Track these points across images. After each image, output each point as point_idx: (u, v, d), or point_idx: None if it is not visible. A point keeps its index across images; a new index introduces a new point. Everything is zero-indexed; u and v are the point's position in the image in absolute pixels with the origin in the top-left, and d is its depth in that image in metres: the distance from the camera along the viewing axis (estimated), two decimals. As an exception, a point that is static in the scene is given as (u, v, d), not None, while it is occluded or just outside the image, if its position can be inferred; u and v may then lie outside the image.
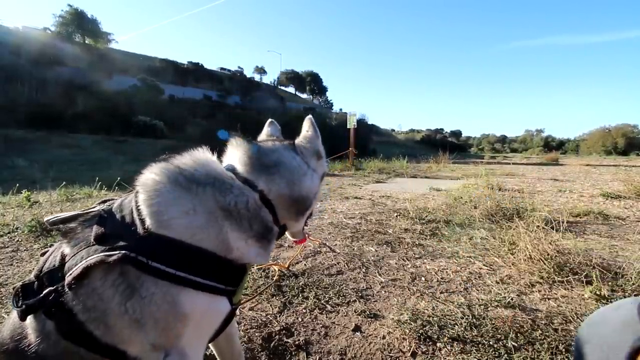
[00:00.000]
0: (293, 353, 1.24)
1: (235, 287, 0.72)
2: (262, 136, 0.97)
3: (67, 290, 0.62)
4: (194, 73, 40.83)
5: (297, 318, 1.46)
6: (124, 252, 0.60)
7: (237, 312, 1.40)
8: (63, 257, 0.66)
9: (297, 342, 1.29)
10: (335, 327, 1.40)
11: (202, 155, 0.77)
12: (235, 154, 0.79)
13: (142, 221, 0.64)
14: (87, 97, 22.36)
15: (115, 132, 19.94)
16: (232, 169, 0.77)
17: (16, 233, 2.58)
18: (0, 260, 2.07)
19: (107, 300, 0.61)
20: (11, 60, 23.58)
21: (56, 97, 21.83)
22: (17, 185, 3.97)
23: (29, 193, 3.69)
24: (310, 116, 0.91)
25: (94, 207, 0.73)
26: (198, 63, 43.52)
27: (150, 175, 0.69)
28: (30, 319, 0.65)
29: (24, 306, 0.65)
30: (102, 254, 0.60)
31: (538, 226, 2.18)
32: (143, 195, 0.67)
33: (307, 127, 0.91)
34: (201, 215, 0.66)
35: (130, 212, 0.66)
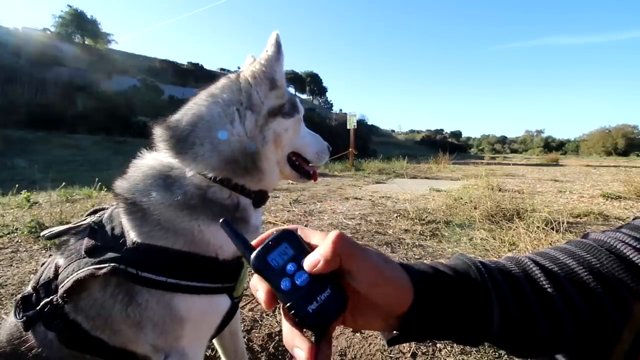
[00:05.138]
0: (293, 354, 1.24)
1: (233, 282, 0.70)
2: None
3: (60, 302, 0.63)
4: (194, 73, 40.90)
5: (297, 319, 1.46)
6: (113, 264, 0.59)
7: (238, 311, 1.40)
8: (57, 269, 0.67)
9: (297, 343, 1.29)
10: (335, 328, 1.39)
11: (144, 158, 0.71)
12: (159, 141, 0.70)
13: (129, 233, 0.64)
14: (86, 98, 22.42)
15: (115, 132, 19.98)
16: (168, 158, 0.69)
17: (16, 234, 2.57)
18: (0, 261, 2.06)
19: (109, 308, 0.62)
20: (11, 60, 23.59)
21: (56, 97, 21.88)
22: (17, 185, 3.96)
23: (29, 194, 3.68)
24: (276, 32, 0.72)
25: (85, 219, 0.73)
26: (198, 63, 43.68)
27: (119, 187, 0.68)
28: (30, 330, 0.66)
29: (25, 318, 0.66)
30: (92, 266, 0.60)
31: (538, 227, 2.18)
32: (121, 208, 0.66)
33: (269, 45, 0.72)
34: (167, 222, 0.63)
35: (120, 224, 0.66)
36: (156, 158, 0.70)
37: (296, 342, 0.32)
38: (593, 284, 0.36)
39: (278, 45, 0.71)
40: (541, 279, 0.37)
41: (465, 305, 0.35)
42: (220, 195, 0.67)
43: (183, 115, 0.70)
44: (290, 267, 0.34)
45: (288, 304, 0.32)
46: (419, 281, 0.35)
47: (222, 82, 0.74)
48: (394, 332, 0.37)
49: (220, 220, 0.36)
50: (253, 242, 0.36)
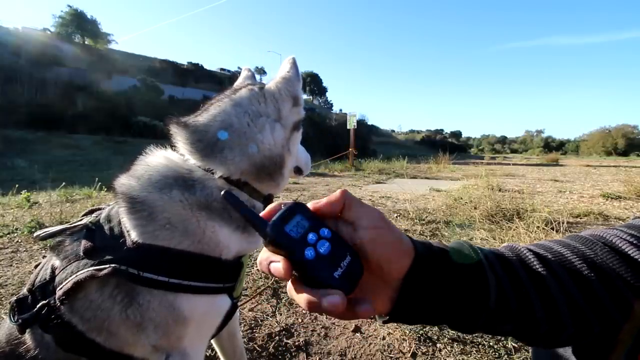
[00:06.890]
0: (293, 354, 1.24)
1: (234, 282, 0.70)
2: (237, 82, 0.89)
3: (58, 304, 0.62)
4: (194, 73, 40.87)
5: (297, 319, 1.46)
6: (113, 265, 0.59)
7: (237, 312, 1.40)
8: (53, 271, 0.66)
9: (297, 343, 1.29)
10: (335, 328, 1.39)
11: (156, 157, 0.72)
12: (180, 142, 0.72)
13: (129, 233, 0.63)
14: (86, 98, 22.41)
15: (115, 132, 19.97)
16: (188, 160, 0.70)
17: (16, 234, 2.57)
18: (0, 261, 2.06)
19: (107, 310, 0.61)
20: (11, 60, 23.58)
21: (56, 97, 21.87)
22: (17, 185, 3.96)
23: (29, 194, 3.69)
24: (293, 56, 0.80)
25: (81, 220, 0.72)
26: (198, 64, 43.61)
27: (124, 186, 0.67)
28: (28, 332, 0.66)
29: (20, 321, 0.65)
30: (91, 268, 0.60)
31: (538, 227, 2.18)
32: (123, 208, 0.65)
33: (287, 67, 0.79)
34: (180, 222, 0.63)
35: (119, 224, 0.65)
36: (169, 157, 0.71)
37: (321, 292, 0.32)
38: (586, 272, 0.36)
39: (295, 68, 0.79)
40: (534, 263, 0.38)
41: (461, 277, 0.36)
42: (242, 199, 0.68)
43: (211, 121, 0.71)
44: (311, 236, 0.34)
45: (313, 273, 0.32)
46: (417, 245, 0.37)
47: (245, 93, 0.75)
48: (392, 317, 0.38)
49: (222, 192, 0.35)
50: (261, 214, 0.35)
